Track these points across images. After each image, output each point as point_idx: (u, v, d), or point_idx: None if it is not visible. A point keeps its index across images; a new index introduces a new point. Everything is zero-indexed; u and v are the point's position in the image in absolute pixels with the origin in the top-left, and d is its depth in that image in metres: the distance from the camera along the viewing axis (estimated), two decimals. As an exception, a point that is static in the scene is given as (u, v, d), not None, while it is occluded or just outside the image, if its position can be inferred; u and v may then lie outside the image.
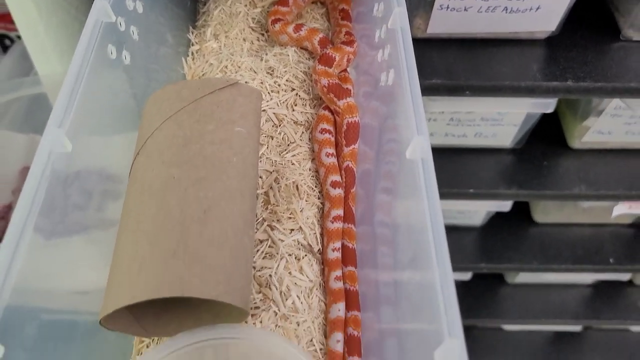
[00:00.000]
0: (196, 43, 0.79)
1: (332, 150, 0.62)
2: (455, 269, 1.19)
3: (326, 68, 0.65)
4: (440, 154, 1.03)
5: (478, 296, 1.35)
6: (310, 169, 0.63)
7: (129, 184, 0.53)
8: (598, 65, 0.82)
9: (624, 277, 1.31)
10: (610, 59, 0.83)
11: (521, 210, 1.19)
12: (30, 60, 0.87)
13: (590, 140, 1.00)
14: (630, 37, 0.85)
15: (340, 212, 0.59)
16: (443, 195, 0.98)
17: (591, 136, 0.99)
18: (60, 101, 0.49)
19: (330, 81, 0.63)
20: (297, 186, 0.60)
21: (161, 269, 0.45)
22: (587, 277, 1.32)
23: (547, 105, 0.85)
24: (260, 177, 0.61)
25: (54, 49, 0.89)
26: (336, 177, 0.60)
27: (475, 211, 1.12)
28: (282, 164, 0.62)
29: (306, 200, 0.60)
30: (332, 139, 0.63)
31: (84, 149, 0.54)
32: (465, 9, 0.79)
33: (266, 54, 0.72)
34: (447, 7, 0.79)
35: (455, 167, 1.01)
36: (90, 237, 0.56)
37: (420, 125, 0.47)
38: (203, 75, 0.74)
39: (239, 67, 0.70)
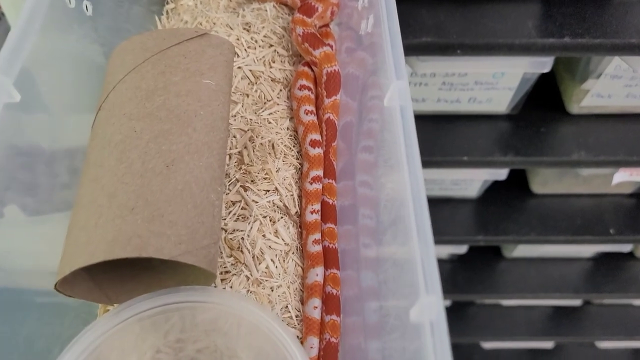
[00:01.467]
0: (171, 1, 0.75)
1: (311, 108, 0.58)
2: (451, 241, 1.15)
3: (304, 17, 0.61)
4: (433, 121, 0.99)
5: (475, 270, 1.31)
6: (288, 128, 0.59)
7: (90, 138, 0.50)
8: (597, 21, 0.78)
9: (625, 248, 1.27)
10: (610, 15, 0.79)
11: (518, 181, 1.15)
12: None
13: (589, 105, 0.96)
14: (630, -9, 0.80)
15: (320, 172, 0.55)
16: (437, 164, 0.94)
17: (590, 100, 0.94)
18: (8, 47, 0.45)
19: (306, 30, 0.59)
20: (273, 145, 0.56)
21: (118, 226, 0.41)
22: (587, 250, 1.28)
23: (544, 64, 0.81)
24: (234, 136, 0.57)
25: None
26: (316, 136, 0.57)
27: (471, 181, 1.08)
28: (257, 123, 0.58)
29: (283, 160, 0.56)
30: (312, 96, 0.59)
31: (67, 118, 0.51)
32: (455, -38, 0.75)
33: (243, 10, 0.68)
34: (437, -40, 0.75)
35: (449, 134, 0.97)
36: None
37: (399, 69, 0.43)
38: (178, 33, 0.70)
39: (214, 23, 0.66)
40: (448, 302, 1.38)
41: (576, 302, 1.40)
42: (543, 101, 0.99)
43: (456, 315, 1.43)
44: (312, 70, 0.62)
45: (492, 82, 0.90)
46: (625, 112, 0.98)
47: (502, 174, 1.01)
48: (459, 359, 1.51)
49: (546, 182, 1.14)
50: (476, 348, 1.53)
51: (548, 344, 1.53)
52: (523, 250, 1.29)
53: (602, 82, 0.90)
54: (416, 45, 0.76)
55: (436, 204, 1.16)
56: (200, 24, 0.67)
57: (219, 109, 0.50)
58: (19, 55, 0.45)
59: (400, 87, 0.43)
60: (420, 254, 0.35)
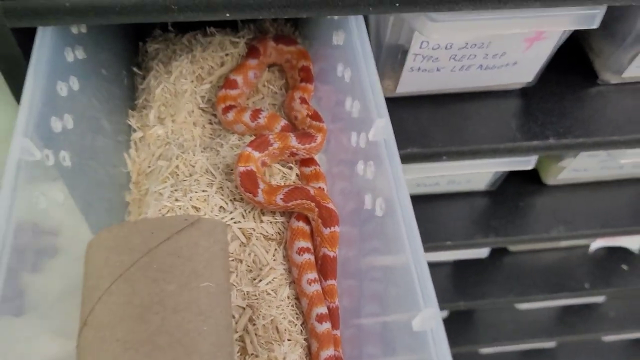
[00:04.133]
0: (138, 129, 0.69)
1: (314, 276, 0.54)
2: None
3: (252, 152, 0.58)
4: (412, 202, 0.96)
5: (452, 325, 1.31)
6: (288, 297, 0.55)
7: (77, 365, 0.44)
8: (577, 117, 0.77)
9: (599, 299, 1.30)
10: (590, 108, 0.78)
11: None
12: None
13: (565, 177, 0.96)
14: (607, 80, 0.80)
15: (331, 351, 0.52)
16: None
17: (567, 174, 0.94)
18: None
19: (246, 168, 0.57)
20: (276, 327, 0.52)
21: None
22: (563, 301, 1.30)
23: (527, 162, 0.80)
24: (233, 316, 0.52)
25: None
26: (322, 309, 0.53)
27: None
28: (255, 296, 0.54)
29: (289, 340, 0.52)
30: (312, 259, 0.56)
31: None
32: (437, 69, 0.72)
33: (222, 146, 0.63)
34: (418, 69, 0.71)
35: (429, 216, 0.95)
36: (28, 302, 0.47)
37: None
38: (150, 172, 0.65)
39: (193, 166, 0.61)
40: None
41: (550, 344, 1.43)
42: (520, 176, 0.98)
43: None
44: (308, 223, 0.58)
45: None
46: (599, 180, 0.98)
47: (483, 252, 1.01)
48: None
49: (521, 240, 1.14)
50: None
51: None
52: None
53: (578, 160, 0.90)
54: (403, 155, 0.72)
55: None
56: (178, 167, 0.61)
57: (223, 317, 0.45)
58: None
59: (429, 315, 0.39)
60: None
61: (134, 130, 0.69)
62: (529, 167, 0.80)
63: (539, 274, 1.15)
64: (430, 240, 0.93)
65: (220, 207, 0.58)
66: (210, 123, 0.68)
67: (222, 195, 0.58)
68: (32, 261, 0.48)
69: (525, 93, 0.79)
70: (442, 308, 1.17)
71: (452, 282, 1.15)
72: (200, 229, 0.48)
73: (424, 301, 0.40)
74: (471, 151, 0.74)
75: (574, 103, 0.79)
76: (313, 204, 0.56)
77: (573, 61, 0.82)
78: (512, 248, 1.15)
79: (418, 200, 0.97)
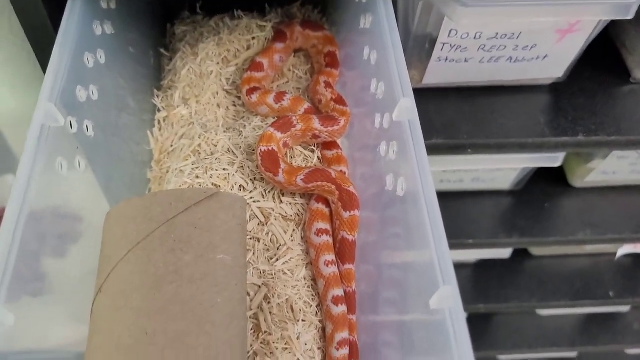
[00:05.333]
0: (163, 109, 0.69)
1: (331, 257, 0.54)
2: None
3: (275, 132, 0.57)
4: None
5: (472, 327, 1.28)
6: (305, 278, 0.54)
7: (90, 330, 0.44)
8: (609, 115, 0.75)
9: (624, 309, 1.26)
10: (622, 106, 0.76)
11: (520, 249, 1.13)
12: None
13: (593, 180, 0.93)
14: (641, 79, 0.78)
15: (345, 334, 0.51)
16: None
17: (595, 176, 0.92)
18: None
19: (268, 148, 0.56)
20: (291, 307, 0.51)
21: None
22: (587, 309, 1.27)
23: (554, 159, 0.78)
24: (248, 294, 0.52)
25: (3, 84, 0.80)
26: (338, 291, 0.52)
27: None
28: (271, 275, 0.53)
29: (303, 320, 0.52)
30: (331, 241, 0.55)
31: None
32: (465, 60, 0.71)
33: (245, 127, 0.63)
34: (446, 59, 0.70)
35: (452, 214, 0.94)
36: (49, 285, 0.47)
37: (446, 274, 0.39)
38: (172, 150, 0.65)
39: (215, 146, 0.61)
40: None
41: (572, 354, 1.39)
42: (547, 176, 0.96)
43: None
44: (328, 205, 0.57)
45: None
46: (629, 184, 0.95)
47: (506, 252, 0.98)
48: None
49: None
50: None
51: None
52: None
53: (608, 162, 0.88)
54: (427, 146, 0.72)
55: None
56: (199, 146, 0.61)
57: (238, 291, 0.45)
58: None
59: (447, 293, 0.38)
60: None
61: (159, 110, 0.69)
62: (556, 164, 0.78)
63: (563, 280, 1.12)
64: (453, 238, 0.91)
65: (240, 185, 0.57)
66: (234, 105, 0.68)
67: (243, 174, 0.58)
68: (54, 245, 0.48)
69: (555, 89, 0.78)
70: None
71: (473, 284, 1.12)
72: (220, 202, 0.48)
73: (443, 279, 0.38)
74: (497, 145, 0.73)
75: (605, 100, 0.77)
76: (334, 187, 0.55)
77: (605, 58, 0.80)
78: (536, 252, 1.13)
79: (441, 197, 0.94)
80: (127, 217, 0.47)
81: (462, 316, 0.39)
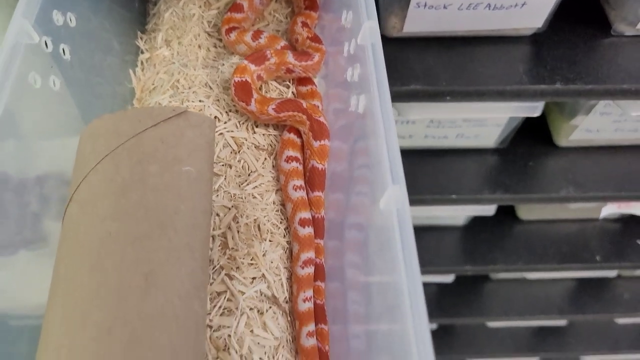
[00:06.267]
0: (146, 50, 0.71)
1: (300, 183, 0.55)
2: (437, 271, 1.13)
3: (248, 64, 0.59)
4: (420, 155, 0.96)
5: (461, 294, 1.30)
6: (274, 202, 0.56)
7: (60, 237, 0.46)
8: (588, 65, 0.76)
9: (611, 274, 1.27)
10: (601, 57, 0.77)
11: (505, 208, 1.14)
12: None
13: (577, 138, 0.94)
14: (622, 31, 0.78)
15: (311, 254, 0.52)
16: (424, 202, 0.92)
17: (579, 134, 0.93)
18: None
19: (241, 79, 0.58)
20: (259, 226, 0.53)
21: (94, 351, 0.38)
22: (573, 273, 1.27)
23: (534, 109, 0.79)
24: (217, 214, 0.53)
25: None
26: (305, 214, 0.54)
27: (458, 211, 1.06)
28: (241, 198, 0.55)
29: (270, 241, 0.53)
30: (300, 168, 0.56)
31: (36, 144, 0.47)
32: (444, 7, 0.72)
33: (223, 65, 0.64)
34: (425, 5, 0.71)
35: (436, 170, 0.95)
36: (49, 245, 0.49)
37: (395, 173, 0.40)
38: (153, 89, 0.66)
39: (193, 81, 0.62)
40: (434, 326, 1.37)
41: (561, 322, 1.40)
42: (531, 135, 0.97)
43: (442, 336, 1.42)
44: (300, 136, 0.58)
45: (480, 120, 0.88)
46: (613, 144, 0.96)
47: (490, 209, 0.99)
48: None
49: (532, 209, 1.12)
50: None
51: None
52: (508, 273, 1.28)
53: (591, 118, 0.88)
54: (405, 92, 0.73)
55: (422, 233, 1.14)
56: (178, 81, 0.63)
57: (201, 202, 0.46)
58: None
59: (397, 193, 0.40)
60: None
61: (142, 52, 0.71)
62: (536, 114, 0.79)
63: (550, 244, 1.13)
64: (437, 194, 0.92)
65: (215, 117, 0.59)
66: (215, 47, 0.69)
67: (218, 106, 0.60)
68: (57, 209, 0.50)
69: (535, 40, 0.78)
70: (448, 272, 1.18)
71: (461, 247, 1.14)
72: (188, 120, 0.50)
73: (392, 178, 0.40)
74: (476, 92, 0.74)
75: (585, 52, 0.77)
76: (304, 117, 0.57)
77: (586, 10, 0.80)
78: (523, 216, 1.14)
79: (426, 154, 0.97)
80: (97, 133, 0.49)
81: (408, 217, 0.40)
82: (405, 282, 0.37)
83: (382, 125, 0.43)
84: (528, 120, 0.91)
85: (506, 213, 1.14)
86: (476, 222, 1.13)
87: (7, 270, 0.46)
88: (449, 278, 1.25)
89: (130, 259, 0.42)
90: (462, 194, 0.92)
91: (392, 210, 0.40)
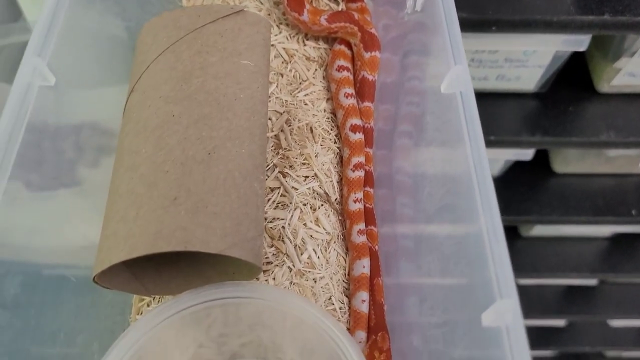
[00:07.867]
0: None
1: (351, 91, 0.56)
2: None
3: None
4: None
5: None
6: (325, 110, 0.56)
7: (122, 123, 0.47)
8: (638, -2, 0.75)
9: (647, 231, 1.26)
10: (651, -10, 0.75)
11: (540, 160, 1.13)
12: (18, 5, 0.80)
13: (619, 84, 0.93)
14: (672, -36, 0.77)
15: (361, 158, 0.53)
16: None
17: (621, 79, 0.91)
18: (39, 29, 0.42)
19: None
20: (311, 129, 0.54)
21: (160, 218, 0.39)
22: (606, 230, 1.26)
23: (580, 42, 0.78)
24: (270, 118, 0.54)
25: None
26: (356, 121, 0.54)
27: (494, 160, 1.06)
28: (293, 104, 0.55)
29: (321, 145, 0.54)
30: (351, 77, 0.57)
31: (73, 93, 0.48)
32: None
33: (273, -18, 0.65)
34: None
35: (475, 113, 0.94)
36: (83, 190, 0.50)
37: (457, 53, 0.41)
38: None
39: (244, -4, 0.63)
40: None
41: (592, 281, 1.39)
42: (572, 80, 0.96)
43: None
44: (350, 49, 0.59)
45: (522, 60, 0.87)
46: (656, 91, 0.95)
47: (528, 154, 0.99)
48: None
49: (568, 161, 1.11)
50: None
51: (560, 322, 1.53)
52: (540, 230, 1.27)
53: (635, 60, 0.87)
54: (450, 21, 0.73)
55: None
56: (229, -2, 0.63)
57: (259, 92, 0.47)
58: (52, 36, 0.42)
59: (459, 73, 0.40)
60: (491, 254, 0.33)
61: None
62: (582, 48, 0.78)
63: (585, 198, 1.12)
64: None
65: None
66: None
67: (270, 19, 0.60)
68: (91, 158, 0.51)
69: (584, -28, 0.77)
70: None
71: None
72: (245, 18, 0.50)
73: (455, 59, 0.40)
74: (522, 22, 0.74)
75: (635, -15, 0.76)
76: (356, 28, 0.57)
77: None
78: (558, 169, 1.13)
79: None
80: (158, 27, 0.50)
81: (472, 100, 0.40)
82: (473, 171, 0.37)
83: (443, 11, 0.43)
84: (569, 64, 0.90)
85: (541, 164, 1.13)
86: (511, 173, 1.13)
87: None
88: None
89: (194, 136, 0.43)
90: (501, 135, 0.92)
91: (455, 93, 0.40)
